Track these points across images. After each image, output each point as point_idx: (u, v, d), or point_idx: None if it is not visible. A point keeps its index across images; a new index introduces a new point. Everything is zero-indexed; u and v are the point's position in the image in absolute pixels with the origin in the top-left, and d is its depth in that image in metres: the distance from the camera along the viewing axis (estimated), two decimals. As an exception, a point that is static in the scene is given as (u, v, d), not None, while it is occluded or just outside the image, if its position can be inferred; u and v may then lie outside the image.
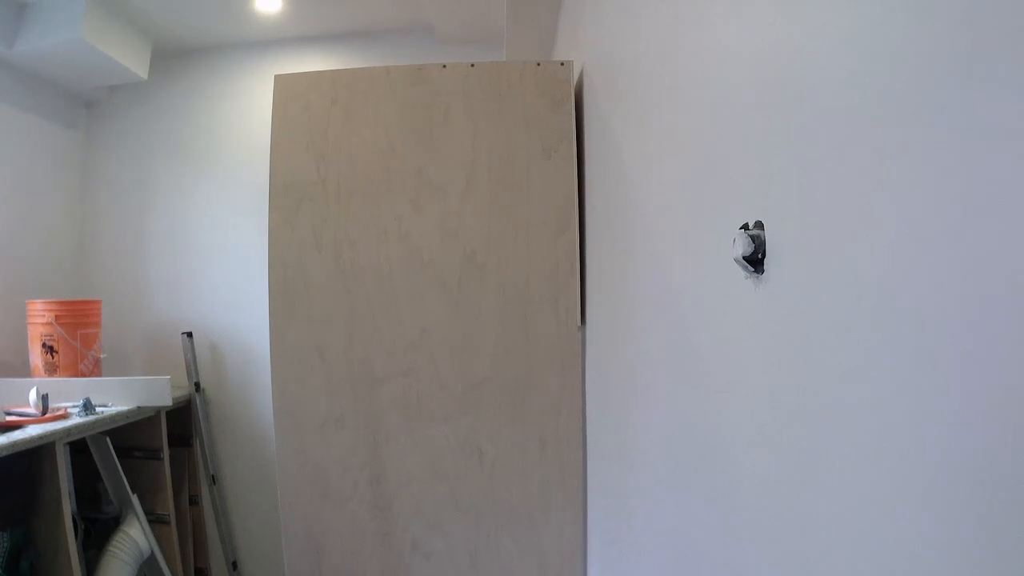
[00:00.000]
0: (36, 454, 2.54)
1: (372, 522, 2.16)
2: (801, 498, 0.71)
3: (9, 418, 2.58)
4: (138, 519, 3.11)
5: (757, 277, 0.81)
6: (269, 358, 2.18)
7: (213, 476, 3.73)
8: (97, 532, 3.10)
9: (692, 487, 1.07)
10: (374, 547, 2.17)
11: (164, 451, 3.36)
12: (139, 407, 3.13)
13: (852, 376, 0.61)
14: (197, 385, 3.66)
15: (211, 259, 3.79)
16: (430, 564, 2.16)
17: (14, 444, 2.33)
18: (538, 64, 2.18)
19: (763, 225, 0.80)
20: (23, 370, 3.26)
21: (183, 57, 3.82)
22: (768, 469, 0.79)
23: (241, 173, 3.74)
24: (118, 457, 3.07)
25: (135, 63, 3.42)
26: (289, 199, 2.17)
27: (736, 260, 0.82)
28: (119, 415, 2.98)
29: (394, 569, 2.18)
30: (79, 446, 2.97)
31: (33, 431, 2.49)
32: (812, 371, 0.69)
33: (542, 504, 2.11)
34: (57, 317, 3.12)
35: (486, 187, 2.14)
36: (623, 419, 1.57)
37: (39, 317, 3.14)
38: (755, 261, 0.80)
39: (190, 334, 3.66)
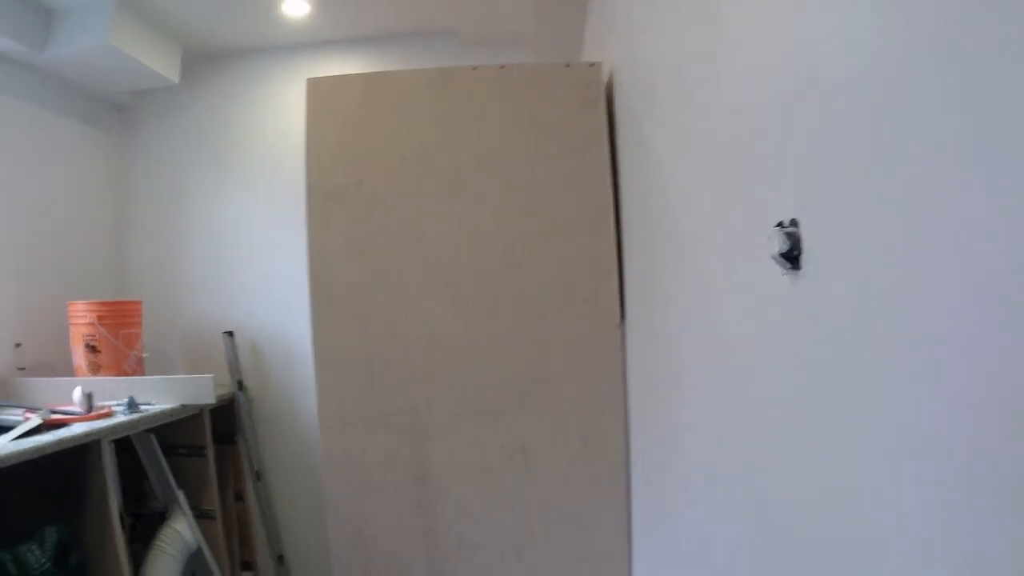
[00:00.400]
0: (82, 451, 2.57)
1: (417, 518, 2.19)
2: (837, 501, 0.71)
3: (55, 416, 2.62)
4: (184, 514, 3.15)
5: (794, 274, 0.82)
6: (310, 357, 2.22)
7: (258, 472, 3.77)
8: (143, 527, 3.15)
9: (734, 491, 1.08)
10: (420, 542, 2.21)
11: (208, 448, 3.39)
12: (183, 405, 3.15)
13: (893, 375, 0.61)
14: (240, 383, 3.71)
15: (249, 259, 3.84)
16: (477, 558, 2.20)
17: (60, 442, 2.37)
18: (567, 66, 2.20)
19: (798, 223, 0.81)
20: (66, 370, 3.31)
21: (214, 61, 3.88)
22: (806, 468, 0.80)
23: (275, 174, 3.80)
24: (163, 454, 3.12)
25: (165, 67, 3.47)
26: (326, 201, 2.20)
27: (773, 257, 0.84)
28: (163, 413, 3.01)
29: (441, 564, 2.21)
30: (124, 443, 3.01)
31: (78, 429, 2.52)
32: (851, 368, 0.69)
33: (586, 499, 2.13)
34: (99, 317, 3.17)
35: (520, 187, 2.16)
36: (665, 416, 1.59)
37: (81, 318, 3.19)
38: (792, 258, 0.82)
39: (231, 333, 3.72)
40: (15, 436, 2.35)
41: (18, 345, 3.16)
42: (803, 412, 0.81)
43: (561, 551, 2.17)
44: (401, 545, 2.22)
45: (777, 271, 0.85)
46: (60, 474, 2.56)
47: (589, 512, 2.14)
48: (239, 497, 3.80)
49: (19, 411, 2.72)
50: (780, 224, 0.84)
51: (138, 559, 2.98)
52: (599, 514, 2.14)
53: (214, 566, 3.33)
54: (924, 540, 0.57)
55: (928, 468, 0.56)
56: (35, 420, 2.50)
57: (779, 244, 0.81)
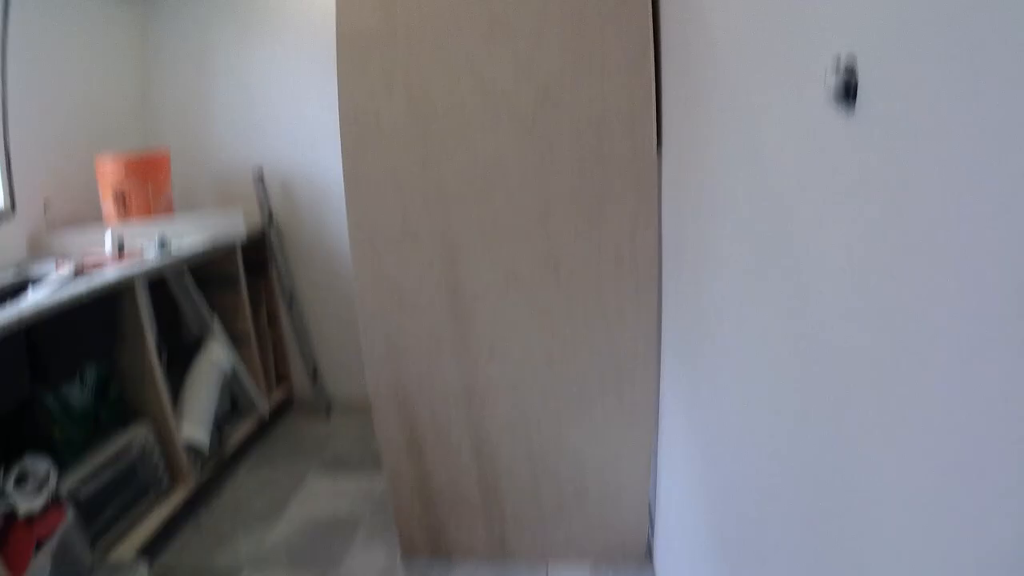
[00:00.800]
0: (117, 295, 2.72)
1: (449, 330, 2.28)
2: (888, 332, 0.67)
3: (87, 264, 2.77)
4: (219, 340, 3.42)
5: (849, 111, 0.76)
6: (341, 189, 2.27)
7: (291, 297, 4.01)
8: (180, 356, 3.38)
9: (771, 318, 1.03)
10: (452, 353, 2.31)
11: (241, 279, 3.62)
12: (214, 241, 3.31)
13: (950, 217, 0.58)
14: (270, 216, 3.85)
15: (278, 103, 3.87)
16: (507, 367, 2.30)
17: (93, 289, 2.47)
18: None
19: (855, 59, 0.74)
20: (97, 222, 3.46)
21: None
22: (854, 301, 0.75)
23: (306, 19, 3.76)
24: (196, 288, 3.32)
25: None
26: (358, 44, 2.18)
27: (827, 94, 0.79)
28: (195, 250, 3.15)
29: (472, 373, 2.33)
30: (158, 281, 3.16)
31: (111, 274, 2.63)
32: (906, 209, 0.65)
33: (617, 313, 2.19)
34: (127, 168, 3.29)
35: (559, 24, 2.11)
36: (700, 246, 1.57)
37: (109, 171, 3.30)
38: (847, 95, 0.76)
39: (261, 172, 3.82)
40: (50, 287, 2.51)
41: (47, 202, 3.28)
42: (847, 249, 0.76)
43: (591, 360, 2.26)
44: (433, 356, 2.33)
45: (830, 108, 0.79)
46: (97, 314, 2.72)
47: (620, 324, 2.20)
48: (272, 320, 4.06)
49: (52, 264, 2.90)
50: (836, 59, 0.77)
51: (176, 386, 3.24)
52: (630, 326, 2.20)
53: (250, 385, 3.65)
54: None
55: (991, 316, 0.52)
56: (68, 270, 2.67)
57: (834, 80, 0.76)
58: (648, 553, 2.60)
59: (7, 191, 3.07)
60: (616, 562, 2.61)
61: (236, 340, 3.66)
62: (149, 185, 3.37)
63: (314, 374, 4.17)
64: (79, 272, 2.70)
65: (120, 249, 2.95)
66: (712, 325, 1.48)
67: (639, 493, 2.47)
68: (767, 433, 1.05)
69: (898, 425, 0.64)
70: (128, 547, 2.69)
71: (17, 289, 2.71)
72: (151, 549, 2.86)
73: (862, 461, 0.71)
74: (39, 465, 2.23)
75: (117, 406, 2.84)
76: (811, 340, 0.87)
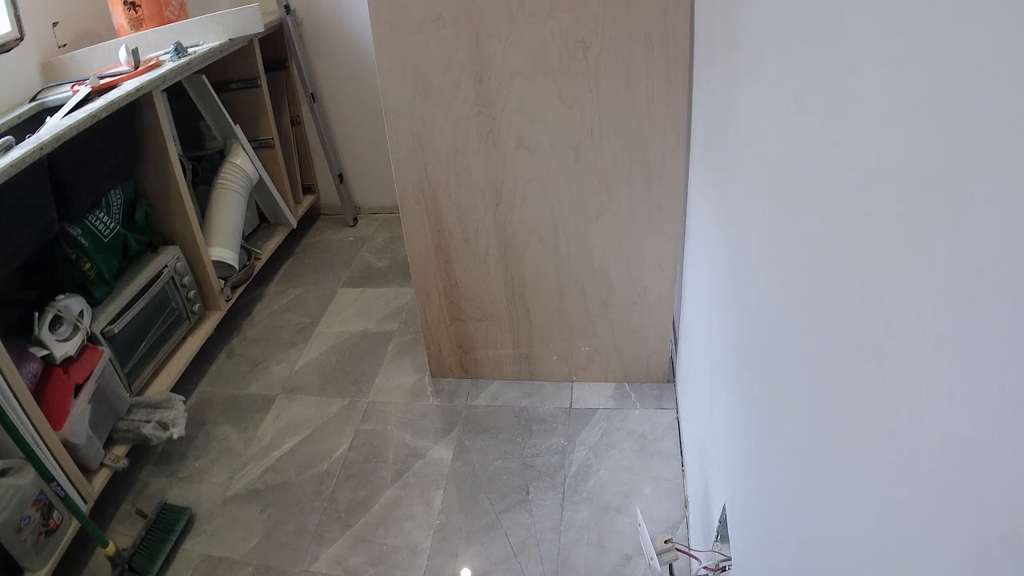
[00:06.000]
0: (136, 109, 2.64)
1: (476, 119, 2.23)
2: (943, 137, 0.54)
3: (103, 81, 2.66)
4: (243, 148, 3.36)
5: None
6: None
7: (312, 94, 3.87)
8: (204, 169, 3.35)
9: (808, 97, 0.93)
10: (479, 144, 2.27)
11: (261, 77, 3.50)
12: (231, 39, 3.16)
13: None
14: (287, 7, 3.65)
15: None
16: (534, 159, 2.27)
17: (112, 103, 2.40)
18: None
19: None
20: (109, 36, 3.29)
21: None
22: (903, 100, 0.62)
23: None
24: (216, 92, 3.23)
25: None
26: None
27: None
28: (212, 51, 3.03)
29: (499, 165, 2.30)
30: (177, 90, 3.09)
31: (129, 86, 2.54)
32: None
33: (647, 101, 2.12)
34: None
35: None
36: (734, 28, 1.44)
37: None
38: None
39: None
40: (67, 111, 2.44)
41: (56, 24, 3.13)
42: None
43: (620, 152, 2.21)
44: (459, 147, 2.29)
45: None
46: (117, 134, 2.63)
47: (649, 114, 2.14)
48: (295, 122, 3.97)
49: (67, 87, 2.79)
50: None
51: (203, 200, 3.24)
52: (659, 115, 2.13)
53: (276, 194, 3.64)
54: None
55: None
56: (84, 90, 2.58)
57: None
58: (671, 373, 2.67)
59: (13, 16, 2.91)
60: (639, 382, 2.68)
61: (259, 145, 3.60)
62: (159, -13, 3.18)
63: (340, 179, 4.12)
64: (96, 91, 2.61)
65: (136, 60, 2.81)
66: (744, 124, 1.38)
67: (664, 309, 2.49)
68: (797, 249, 0.98)
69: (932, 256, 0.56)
70: (164, 380, 2.78)
71: (35, 120, 2.64)
72: (186, 380, 2.95)
73: (895, 281, 0.64)
74: (72, 306, 2.26)
75: (145, 230, 2.83)
76: (855, 146, 0.75)
